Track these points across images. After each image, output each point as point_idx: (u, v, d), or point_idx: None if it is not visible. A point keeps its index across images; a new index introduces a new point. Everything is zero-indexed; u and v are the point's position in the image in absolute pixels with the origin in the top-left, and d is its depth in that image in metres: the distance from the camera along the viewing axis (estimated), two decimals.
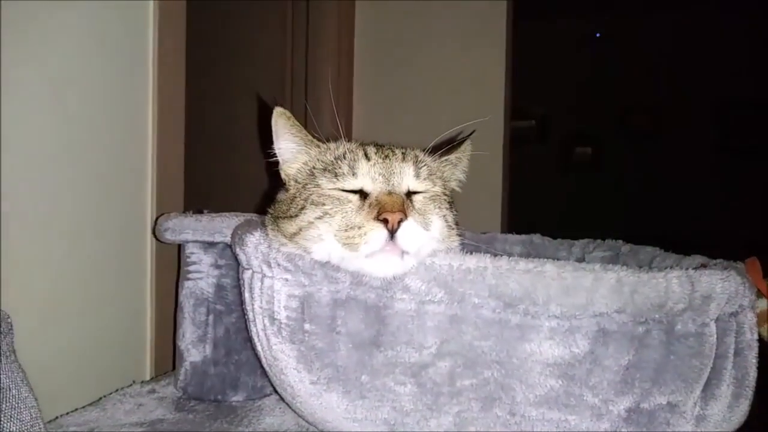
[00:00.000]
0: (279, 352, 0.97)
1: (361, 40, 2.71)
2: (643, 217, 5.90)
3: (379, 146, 0.99)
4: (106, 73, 1.44)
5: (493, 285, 0.81)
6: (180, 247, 1.36)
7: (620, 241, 1.36)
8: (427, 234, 0.87)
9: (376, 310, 0.87)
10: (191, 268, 1.31)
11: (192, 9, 1.68)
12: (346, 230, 0.85)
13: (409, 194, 0.93)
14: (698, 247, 1.15)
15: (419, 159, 0.97)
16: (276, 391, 1.14)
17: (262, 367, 1.29)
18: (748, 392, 0.92)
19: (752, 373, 0.91)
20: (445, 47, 2.71)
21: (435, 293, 0.84)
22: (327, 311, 0.90)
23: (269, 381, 1.30)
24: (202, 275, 1.30)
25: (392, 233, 0.82)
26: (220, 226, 1.25)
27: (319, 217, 0.88)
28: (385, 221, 0.82)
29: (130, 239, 1.57)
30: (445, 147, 1.01)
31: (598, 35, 6.48)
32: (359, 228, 0.84)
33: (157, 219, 1.35)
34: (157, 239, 1.37)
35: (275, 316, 0.95)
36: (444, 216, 0.94)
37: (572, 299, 0.80)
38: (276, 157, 1.02)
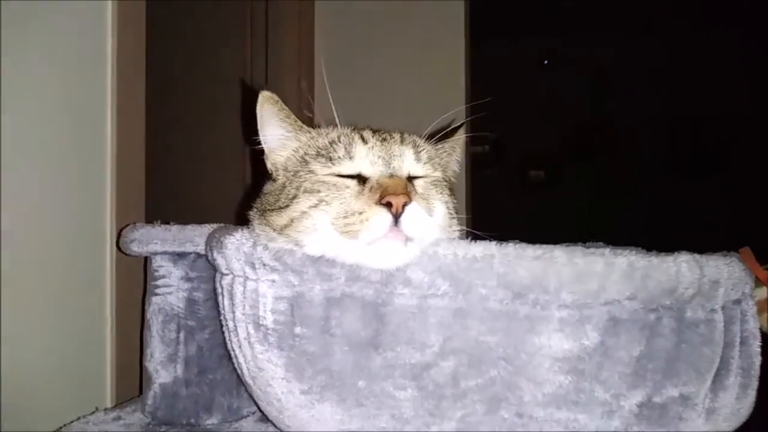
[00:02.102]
0: (265, 362, 0.89)
1: (321, 42, 2.68)
2: (598, 235, 6.00)
3: (374, 130, 0.94)
4: (62, 75, 1.35)
5: (501, 273, 0.76)
6: (146, 260, 1.27)
7: (601, 243, 1.35)
8: (431, 220, 0.82)
9: (374, 307, 0.81)
10: (159, 282, 1.22)
11: (152, 12, 1.61)
12: (345, 217, 0.79)
13: (410, 179, 0.88)
14: None
15: (418, 143, 0.93)
16: (259, 409, 1.06)
17: (238, 385, 1.22)
18: (754, 382, 0.89)
19: (757, 363, 0.89)
20: (404, 72, 2.72)
21: (439, 285, 0.78)
22: (320, 312, 0.83)
23: (248, 400, 1.23)
24: (172, 289, 1.22)
25: (396, 218, 0.77)
26: (192, 235, 1.17)
27: (314, 206, 0.82)
28: (389, 205, 0.77)
29: (88, 253, 1.46)
30: (437, 135, 0.97)
31: (546, 62, 6.67)
32: (360, 214, 0.78)
33: (121, 230, 1.26)
34: (121, 252, 1.27)
35: (261, 322, 0.88)
36: (446, 203, 0.89)
37: (584, 286, 0.76)
38: (261, 145, 0.95)
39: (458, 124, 0.97)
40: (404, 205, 0.77)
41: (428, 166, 0.92)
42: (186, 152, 2.40)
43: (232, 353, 1.03)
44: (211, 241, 1.00)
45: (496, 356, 0.80)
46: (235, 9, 2.40)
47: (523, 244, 0.79)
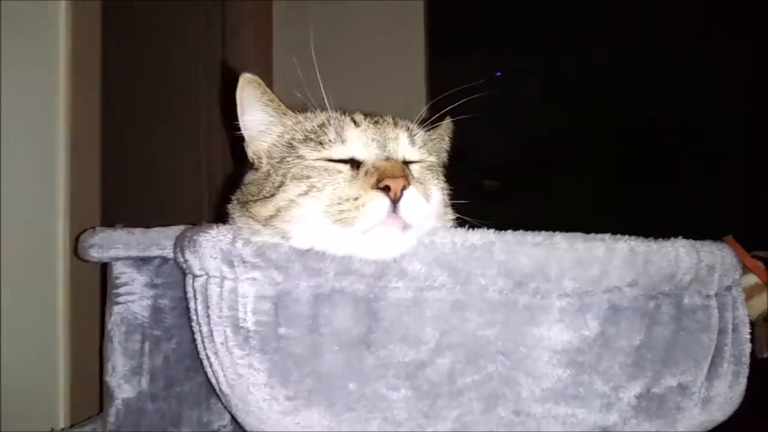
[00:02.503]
0: (245, 367, 0.83)
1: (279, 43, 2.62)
2: None
3: (364, 114, 0.89)
4: (13, 77, 1.26)
5: (502, 261, 0.73)
6: (104, 267, 1.18)
7: None
8: (428, 206, 0.78)
9: (366, 302, 0.76)
10: (121, 290, 1.14)
11: (107, 13, 1.54)
12: (338, 204, 0.74)
13: (405, 164, 0.82)
14: None
15: (411, 127, 0.88)
16: (235, 421, 0.99)
17: (208, 398, 1.15)
18: (745, 370, 0.89)
19: (748, 350, 0.89)
20: (366, 81, 2.69)
21: (436, 276, 0.74)
22: (307, 310, 0.78)
23: (218, 413, 1.16)
24: (135, 297, 1.13)
25: (394, 203, 0.72)
26: (158, 237, 1.09)
27: (304, 193, 0.77)
28: (386, 189, 0.72)
29: (38, 261, 1.37)
30: (424, 125, 0.93)
31: (498, 74, 6.78)
32: (355, 199, 0.73)
33: (78, 236, 1.17)
34: (78, 258, 1.18)
35: (241, 324, 0.81)
36: (442, 189, 0.85)
37: (586, 272, 0.73)
38: (241, 132, 0.89)
39: (442, 112, 0.93)
40: (402, 189, 0.72)
41: (423, 150, 0.87)
42: (141, 154, 2.30)
43: (205, 362, 0.96)
44: (182, 241, 0.93)
45: (494, 350, 0.77)
46: (191, 10, 2.33)
47: (521, 231, 0.76)
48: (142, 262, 1.13)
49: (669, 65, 5.93)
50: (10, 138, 1.27)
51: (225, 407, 1.01)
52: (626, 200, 6.11)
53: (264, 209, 0.80)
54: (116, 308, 1.14)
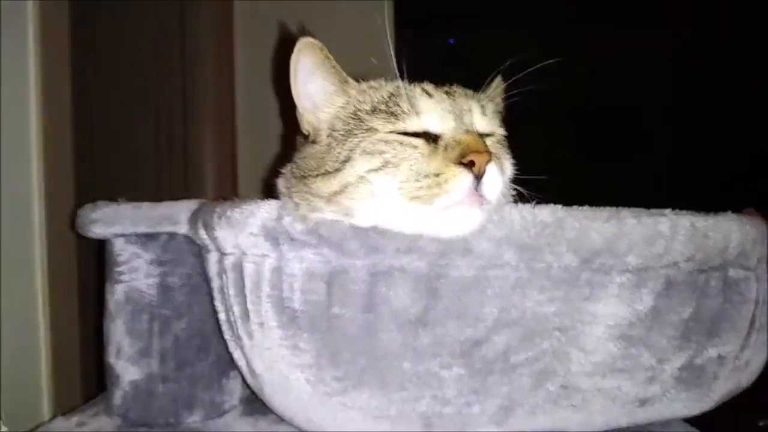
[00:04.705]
0: (287, 348, 0.79)
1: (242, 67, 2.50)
2: None
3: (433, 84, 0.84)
4: None
5: (572, 238, 0.72)
6: (105, 244, 1.10)
7: None
8: (504, 183, 0.75)
9: (426, 281, 0.74)
10: (123, 267, 1.07)
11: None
12: (416, 180, 0.70)
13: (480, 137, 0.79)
14: None
15: (480, 97, 0.85)
16: (246, 401, 0.97)
17: (220, 379, 1.11)
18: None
19: None
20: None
21: (502, 254, 0.72)
22: (363, 289, 0.74)
23: (229, 394, 1.12)
24: (140, 275, 1.07)
25: (477, 179, 0.69)
26: (169, 212, 1.03)
27: (376, 169, 0.72)
28: (471, 164, 0.69)
29: (12, 242, 1.28)
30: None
31: (451, 41, 6.76)
32: (436, 176, 0.69)
33: (77, 211, 1.09)
34: (78, 235, 1.10)
35: (286, 304, 0.78)
36: (512, 163, 0.83)
37: (652, 248, 0.73)
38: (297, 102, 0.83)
39: (494, 74, 0.88)
40: (486, 164, 0.69)
41: (493, 122, 0.84)
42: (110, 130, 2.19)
43: (233, 343, 0.92)
44: (208, 217, 0.88)
45: (551, 327, 0.76)
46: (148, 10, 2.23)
47: (586, 207, 0.75)
48: (147, 238, 1.06)
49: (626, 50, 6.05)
50: None
51: (251, 390, 0.98)
52: (582, 179, 6.25)
53: (327, 185, 0.75)
54: (119, 287, 1.07)
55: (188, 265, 1.08)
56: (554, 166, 0.85)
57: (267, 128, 2.15)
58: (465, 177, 0.69)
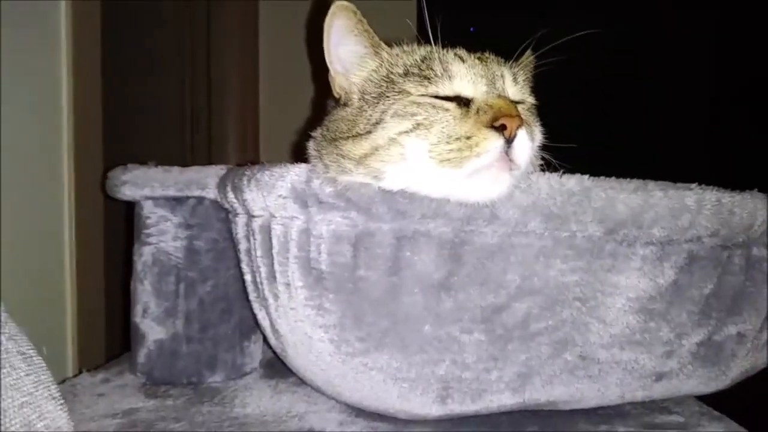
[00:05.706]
0: (312, 309, 0.81)
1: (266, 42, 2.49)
2: None
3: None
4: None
5: (598, 208, 0.73)
6: (133, 206, 1.13)
7: None
8: (533, 149, 0.76)
9: (450, 246, 0.75)
10: (152, 230, 1.10)
11: None
12: (447, 143, 0.71)
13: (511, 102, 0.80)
14: None
15: (513, 64, 0.86)
16: (269, 365, 0.99)
17: (241, 341, 1.13)
18: None
19: None
20: None
21: (527, 222, 0.73)
22: (388, 252, 0.76)
23: (250, 356, 1.15)
24: (167, 237, 1.09)
25: (508, 143, 0.70)
26: (198, 177, 1.05)
27: (408, 131, 0.73)
28: (502, 128, 0.70)
29: (42, 203, 1.31)
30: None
31: (472, 29, 6.70)
32: (467, 138, 0.70)
33: (107, 173, 1.11)
34: (107, 197, 1.12)
35: (313, 266, 0.79)
36: (541, 131, 0.84)
37: (677, 221, 0.74)
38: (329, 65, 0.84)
39: (524, 44, 0.89)
40: (517, 129, 0.70)
41: (524, 90, 0.85)
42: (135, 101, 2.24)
43: (257, 304, 0.95)
44: (236, 180, 0.90)
45: (572, 297, 0.77)
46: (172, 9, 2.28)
47: (613, 177, 0.76)
48: (175, 201, 1.09)
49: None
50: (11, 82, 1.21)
51: (273, 352, 1.00)
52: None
53: (357, 147, 0.76)
54: (146, 249, 1.10)
55: (215, 230, 1.10)
56: (582, 137, 0.85)
57: (290, 102, 2.17)
58: (496, 140, 0.70)
